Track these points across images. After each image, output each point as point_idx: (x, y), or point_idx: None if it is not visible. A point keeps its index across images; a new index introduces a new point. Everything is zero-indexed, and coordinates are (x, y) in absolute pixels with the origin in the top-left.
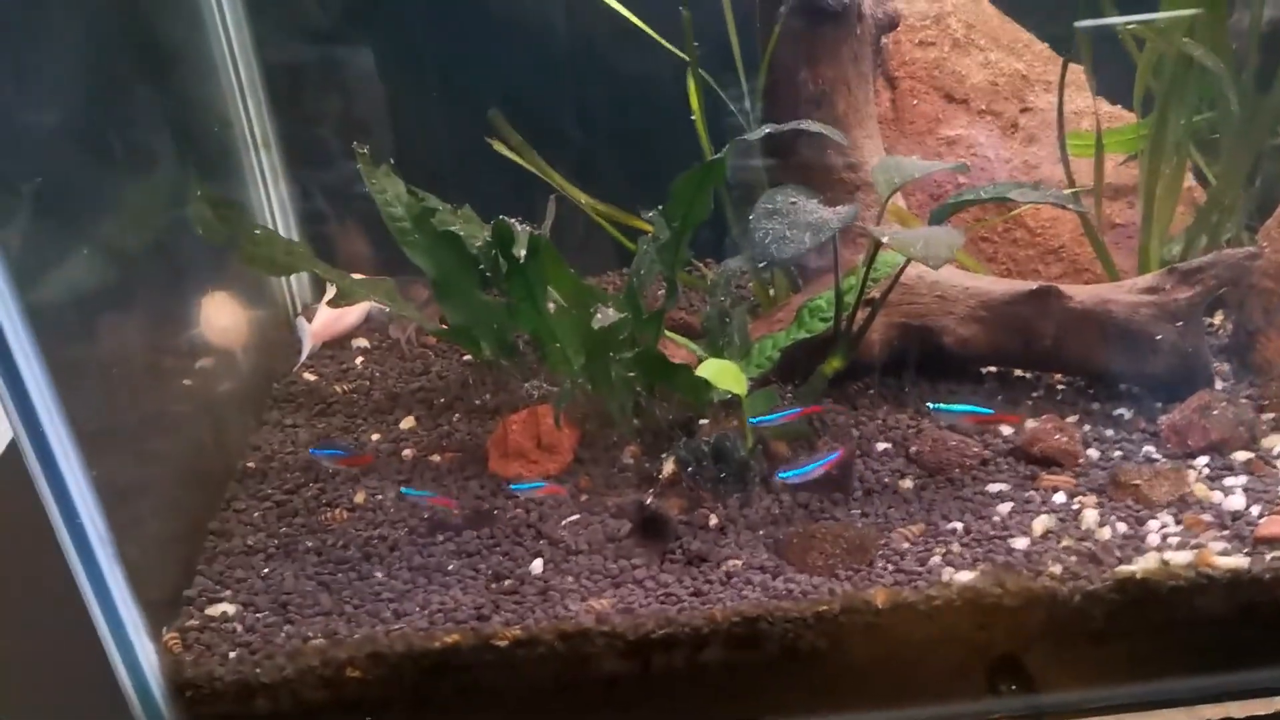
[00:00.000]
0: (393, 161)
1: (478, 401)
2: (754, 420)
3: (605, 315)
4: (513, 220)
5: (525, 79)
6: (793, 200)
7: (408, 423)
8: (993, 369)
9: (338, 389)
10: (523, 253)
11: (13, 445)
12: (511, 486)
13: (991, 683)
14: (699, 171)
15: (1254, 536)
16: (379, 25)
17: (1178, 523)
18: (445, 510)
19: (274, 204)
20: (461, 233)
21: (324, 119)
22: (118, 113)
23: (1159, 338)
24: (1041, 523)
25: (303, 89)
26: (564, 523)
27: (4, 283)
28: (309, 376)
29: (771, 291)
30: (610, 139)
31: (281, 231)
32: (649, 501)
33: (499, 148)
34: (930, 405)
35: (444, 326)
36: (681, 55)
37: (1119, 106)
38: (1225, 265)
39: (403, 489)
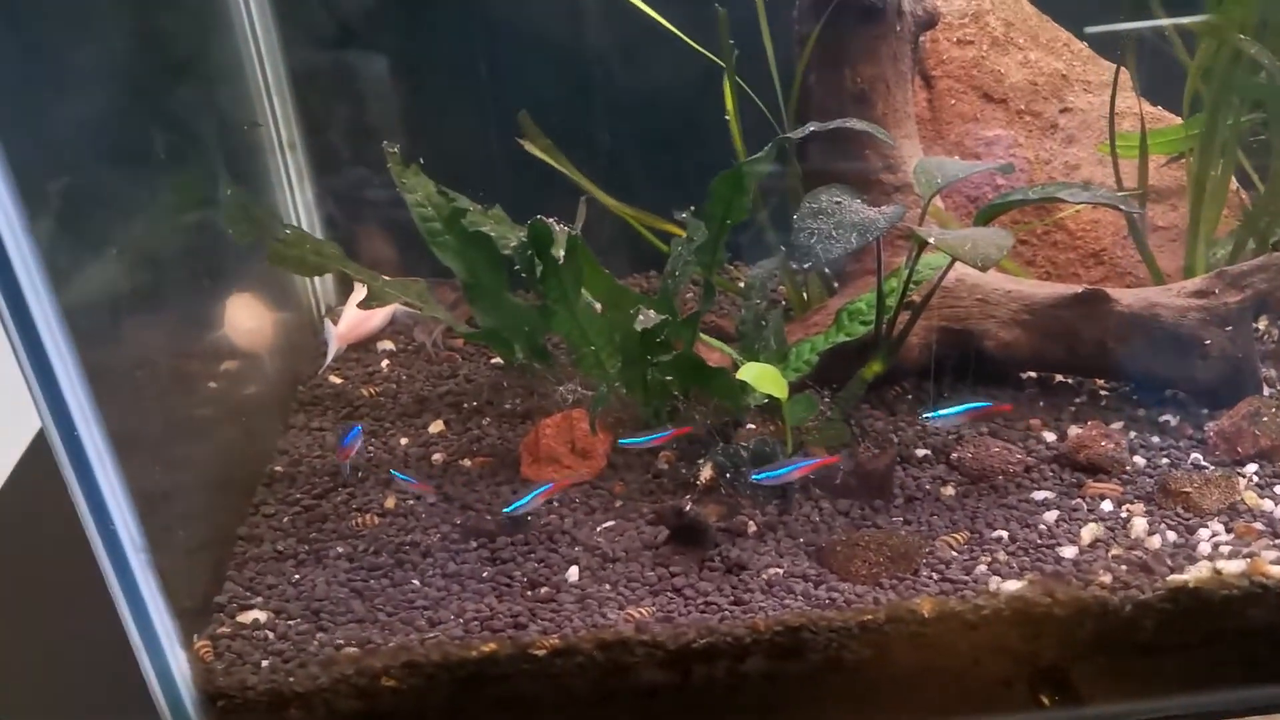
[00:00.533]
0: (421, 162)
1: (508, 405)
2: (624, 442)
3: (648, 317)
4: (550, 220)
5: (551, 83)
6: (837, 200)
7: (436, 427)
8: (1034, 374)
9: (364, 392)
10: (561, 253)
11: (36, 447)
12: (504, 511)
13: (1039, 695)
14: (738, 171)
15: None
16: (405, 28)
17: (1229, 531)
18: (479, 516)
19: (299, 206)
20: (492, 234)
21: (349, 121)
22: (146, 115)
23: (1208, 343)
24: (1090, 531)
25: (328, 91)
26: (599, 529)
27: (41, 284)
28: (334, 380)
29: (805, 295)
30: (635, 142)
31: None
32: (687, 508)
33: (530, 148)
34: (924, 415)
35: (474, 329)
36: (713, 59)
37: (1159, 107)
38: (1276, 269)
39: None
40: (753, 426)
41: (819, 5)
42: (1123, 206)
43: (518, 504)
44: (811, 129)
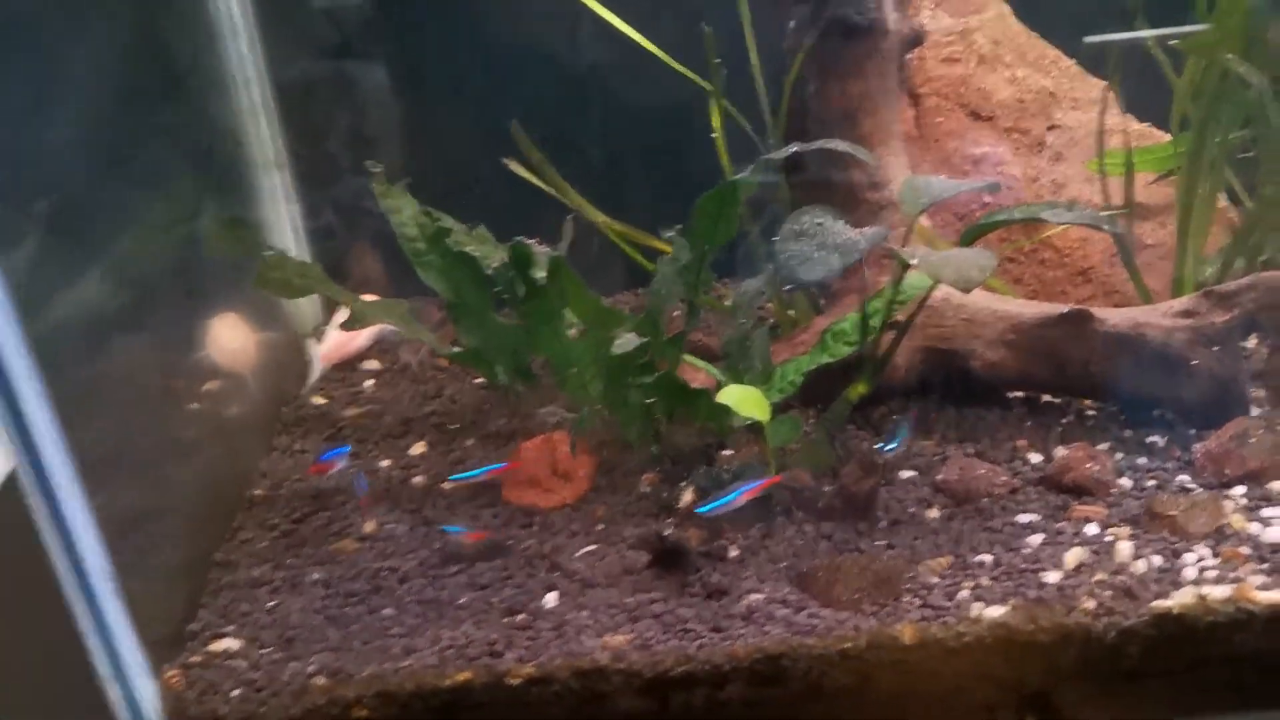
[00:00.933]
0: (409, 181)
1: (492, 427)
2: (455, 478)
3: (626, 340)
4: (531, 241)
5: (545, 97)
6: (819, 221)
7: (419, 448)
8: (1021, 394)
9: (348, 413)
10: (542, 275)
11: (12, 475)
12: (451, 478)
13: None
14: (723, 190)
15: None
16: (393, 45)
17: (1215, 555)
18: (457, 542)
19: (286, 224)
20: (476, 254)
21: (337, 138)
22: (128, 132)
23: (1195, 363)
24: (1074, 555)
25: (316, 108)
26: (579, 554)
27: (6, 306)
28: (318, 400)
29: (792, 313)
30: (629, 158)
31: (294, 252)
32: (667, 532)
33: (515, 168)
34: (879, 447)
35: (457, 349)
36: (694, 78)
37: (1148, 124)
38: (1264, 288)
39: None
40: (728, 453)
41: (805, 23)
42: (1105, 226)
43: (465, 475)
44: (793, 149)
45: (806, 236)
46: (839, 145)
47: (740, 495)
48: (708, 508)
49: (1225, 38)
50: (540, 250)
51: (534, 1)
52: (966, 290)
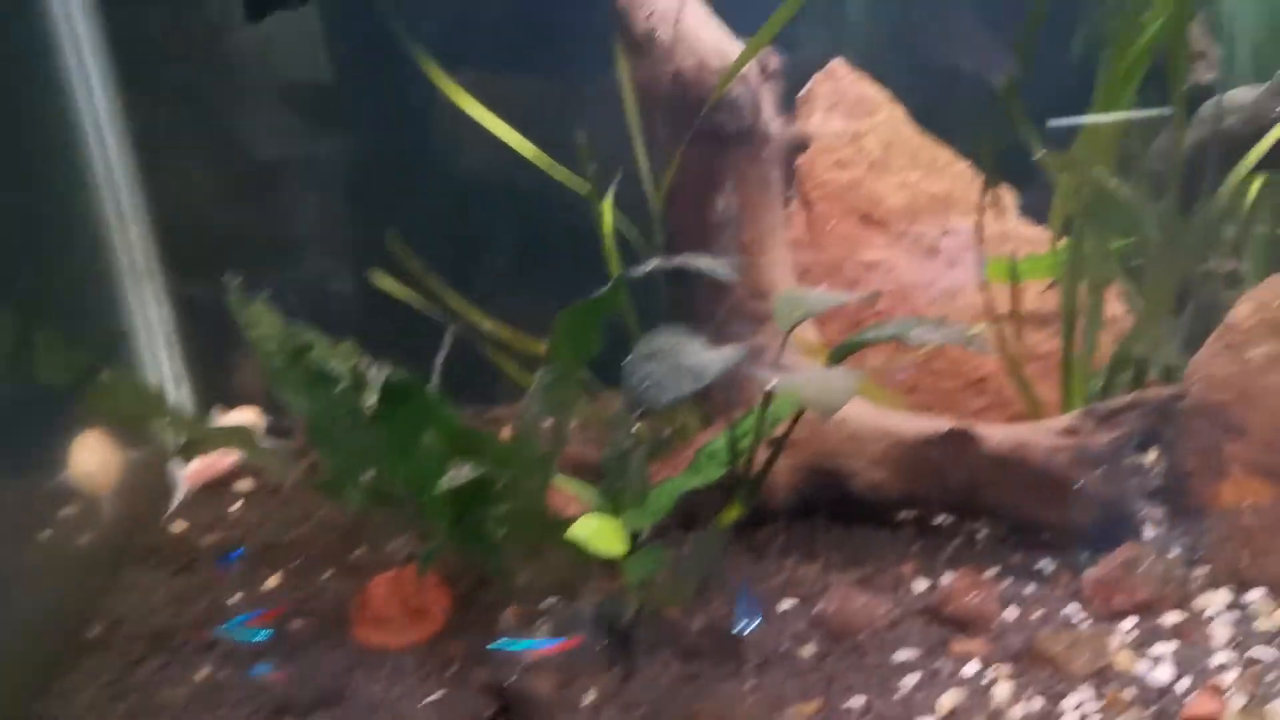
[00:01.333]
0: (273, 292)
1: (353, 558)
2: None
3: (456, 473)
4: (368, 363)
5: (439, 200)
6: (673, 342)
7: (274, 581)
8: (910, 515)
9: (206, 540)
10: (375, 401)
11: None
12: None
13: None
14: (589, 304)
15: (1181, 716)
16: (274, 144)
17: (1098, 698)
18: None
19: (158, 335)
20: (339, 371)
21: (215, 243)
22: None
23: (1079, 484)
24: (950, 698)
25: (191, 212)
26: (424, 702)
27: None
28: (179, 526)
29: (681, 425)
30: (532, 260)
31: (167, 363)
32: (511, 680)
33: (384, 284)
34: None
35: (319, 477)
36: (577, 186)
37: (1044, 228)
38: (1149, 406)
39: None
40: (554, 601)
41: (681, 128)
42: (972, 346)
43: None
44: (652, 265)
45: (659, 358)
46: (700, 263)
47: (535, 649)
48: (497, 646)
49: (1098, 149)
50: (380, 372)
51: (426, 101)
52: (827, 415)
